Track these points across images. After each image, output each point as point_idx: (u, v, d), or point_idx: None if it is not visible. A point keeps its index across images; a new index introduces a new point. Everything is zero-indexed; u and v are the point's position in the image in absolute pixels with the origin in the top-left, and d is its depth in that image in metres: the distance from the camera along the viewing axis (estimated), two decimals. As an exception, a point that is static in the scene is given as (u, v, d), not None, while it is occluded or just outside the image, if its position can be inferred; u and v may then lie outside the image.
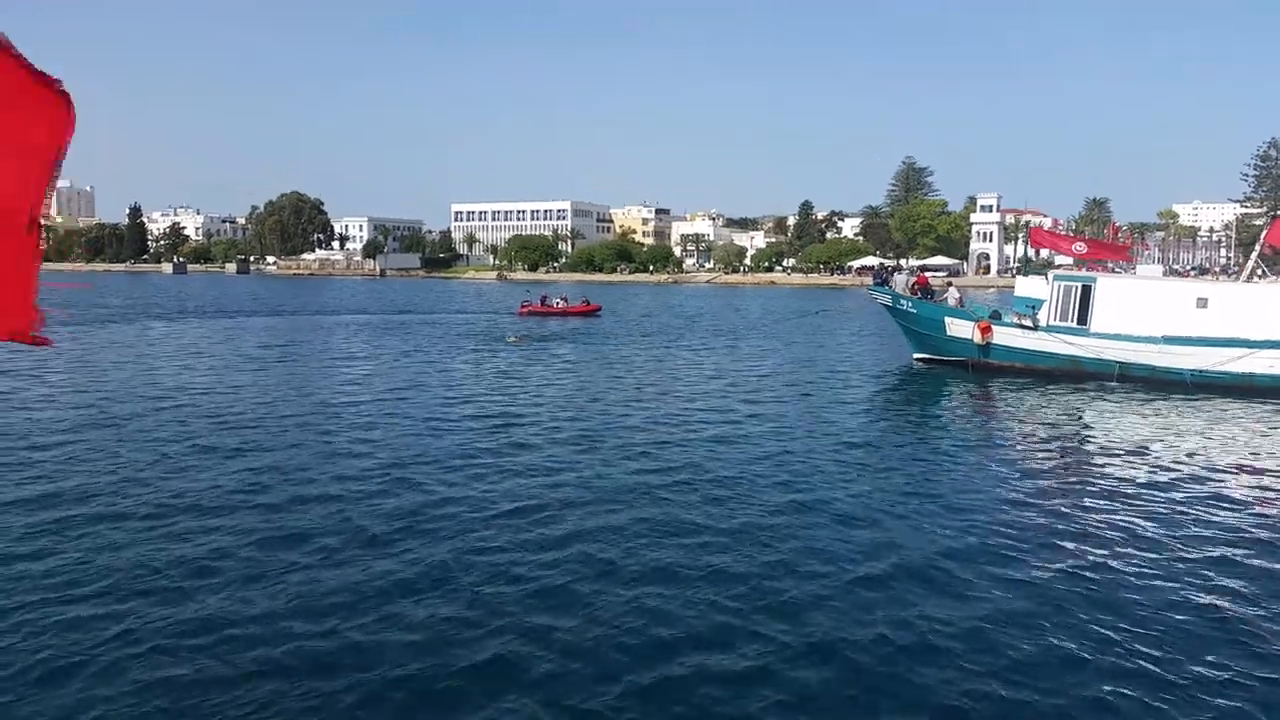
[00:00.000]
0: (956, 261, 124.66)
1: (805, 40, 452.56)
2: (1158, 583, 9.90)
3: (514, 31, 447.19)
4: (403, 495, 12.90)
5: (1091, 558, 10.64)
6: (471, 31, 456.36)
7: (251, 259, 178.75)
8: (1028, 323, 28.90)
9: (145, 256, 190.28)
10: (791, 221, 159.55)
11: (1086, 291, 28.20)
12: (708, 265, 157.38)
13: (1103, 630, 8.52)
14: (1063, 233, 52.83)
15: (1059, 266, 34.71)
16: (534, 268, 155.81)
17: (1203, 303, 26.59)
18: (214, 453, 15.51)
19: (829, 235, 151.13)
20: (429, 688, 7.23)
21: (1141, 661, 7.90)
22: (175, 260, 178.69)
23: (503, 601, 8.96)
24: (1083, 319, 28.09)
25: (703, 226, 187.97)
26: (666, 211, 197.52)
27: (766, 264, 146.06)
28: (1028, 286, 30.93)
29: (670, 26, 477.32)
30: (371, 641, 8.00)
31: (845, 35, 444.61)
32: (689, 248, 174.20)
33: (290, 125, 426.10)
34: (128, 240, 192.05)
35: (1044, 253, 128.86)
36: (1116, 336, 27.26)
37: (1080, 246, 34.25)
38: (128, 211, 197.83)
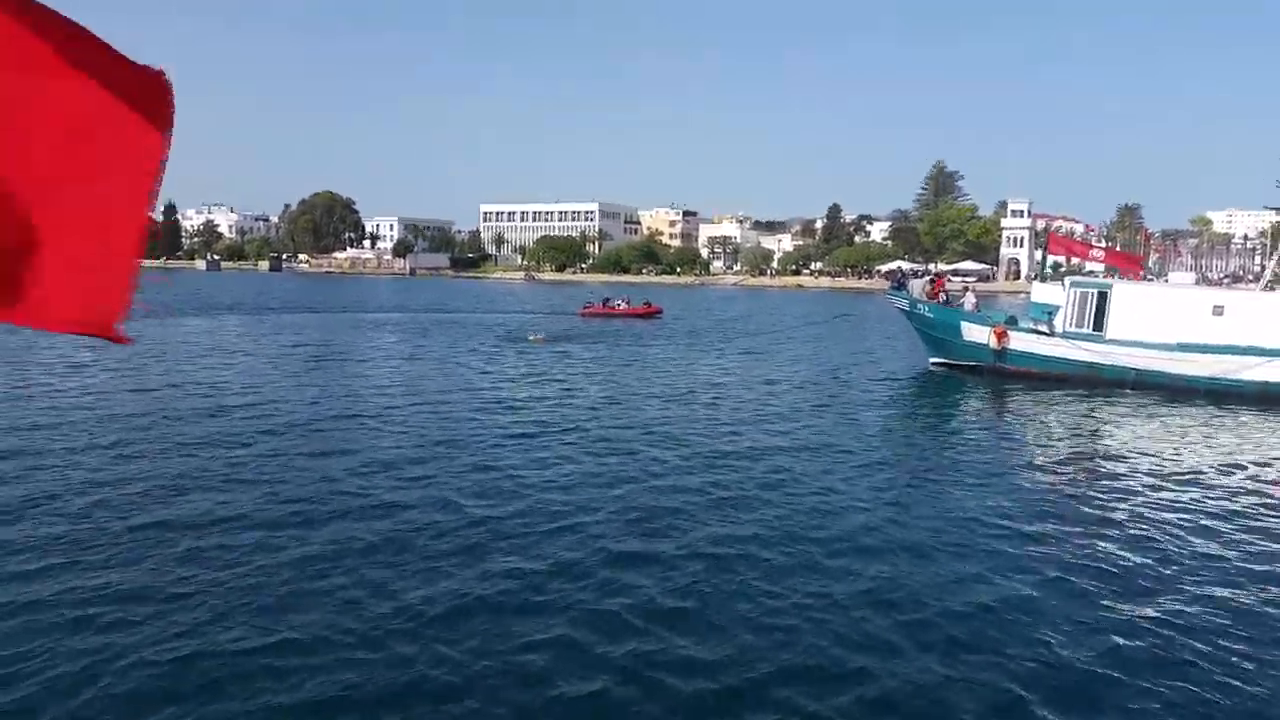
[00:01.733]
0: (987, 267, 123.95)
1: (834, 42, 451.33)
2: (1170, 587, 10.02)
3: (542, 34, 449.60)
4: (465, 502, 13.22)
5: (1107, 565, 10.72)
6: (502, 34, 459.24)
7: (284, 257, 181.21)
8: (1044, 328, 29.04)
9: (179, 253, 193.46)
10: (819, 225, 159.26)
11: (1102, 298, 28.30)
12: (735, 268, 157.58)
13: (1119, 637, 8.62)
14: (1086, 240, 52.57)
15: (1086, 273, 34.88)
16: (561, 268, 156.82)
17: (1219, 310, 26.64)
18: (271, 456, 15.97)
19: (857, 239, 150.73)
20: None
21: (1151, 667, 8.04)
22: (209, 257, 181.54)
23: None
24: (1098, 325, 28.19)
25: (730, 229, 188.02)
26: (694, 214, 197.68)
27: (794, 267, 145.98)
28: (1044, 292, 31.09)
29: (697, 28, 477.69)
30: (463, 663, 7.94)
31: (875, 35, 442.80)
32: (716, 250, 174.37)
33: (324, 125, 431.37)
34: (163, 236, 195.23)
35: (1073, 260, 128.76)
36: (1132, 343, 27.34)
37: (1097, 253, 34.34)
38: (162, 208, 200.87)
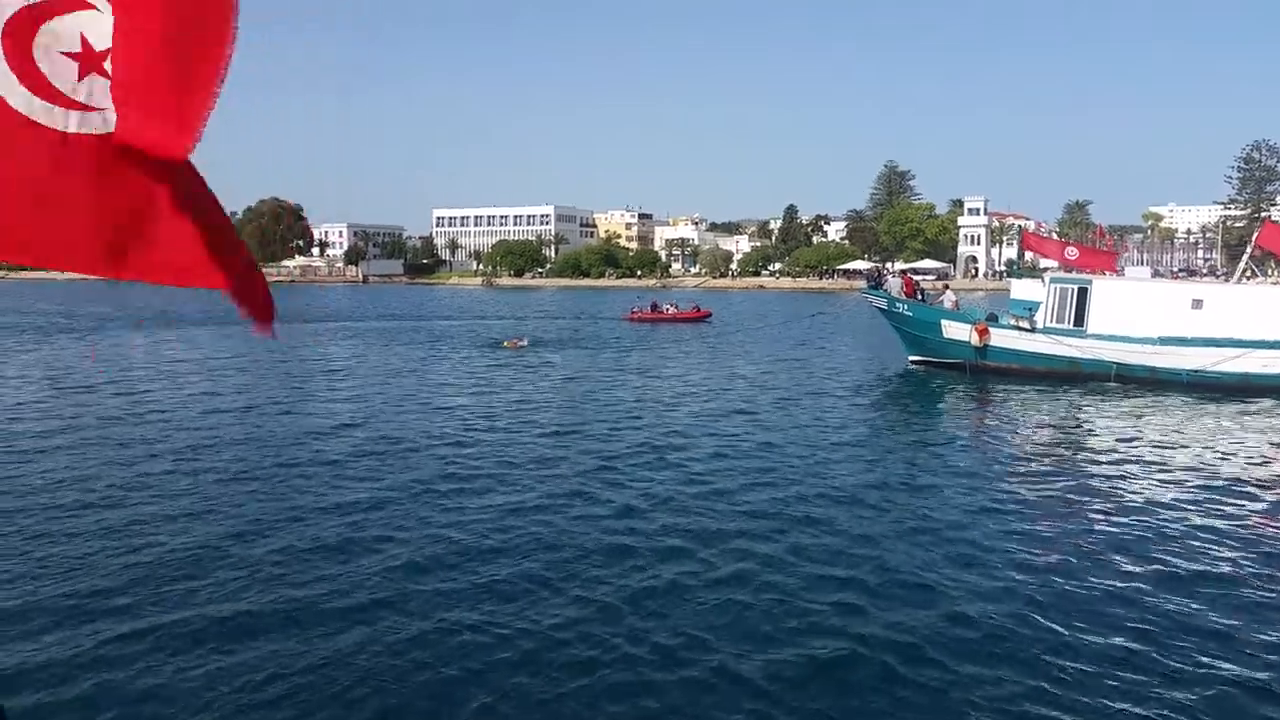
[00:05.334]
0: (944, 265, 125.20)
1: (782, 42, 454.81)
2: (1158, 582, 9.88)
3: (493, 35, 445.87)
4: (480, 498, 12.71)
5: (1094, 559, 10.62)
6: (452, 34, 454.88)
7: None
8: (1025, 325, 29.02)
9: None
10: (775, 225, 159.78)
11: (1083, 293, 28.35)
12: (694, 270, 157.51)
13: (1102, 632, 8.46)
14: (1053, 237, 53.06)
15: (1045, 270, 34.99)
16: (520, 273, 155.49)
17: (1198, 304, 26.81)
18: (281, 469, 15.25)
19: (815, 239, 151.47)
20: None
21: (1138, 659, 7.89)
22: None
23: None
24: (1079, 320, 28.24)
25: (686, 231, 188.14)
26: (649, 216, 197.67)
27: (754, 268, 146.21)
28: (1024, 289, 31.10)
29: (648, 30, 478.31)
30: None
31: (822, 36, 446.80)
32: (674, 252, 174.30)
33: (268, 129, 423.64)
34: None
35: (1028, 256, 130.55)
36: (1113, 338, 27.42)
37: (1071, 252, 34.41)
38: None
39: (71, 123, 2.37)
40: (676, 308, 56.53)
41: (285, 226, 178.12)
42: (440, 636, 8.14)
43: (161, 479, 14.05)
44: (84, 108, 2.37)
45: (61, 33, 2.32)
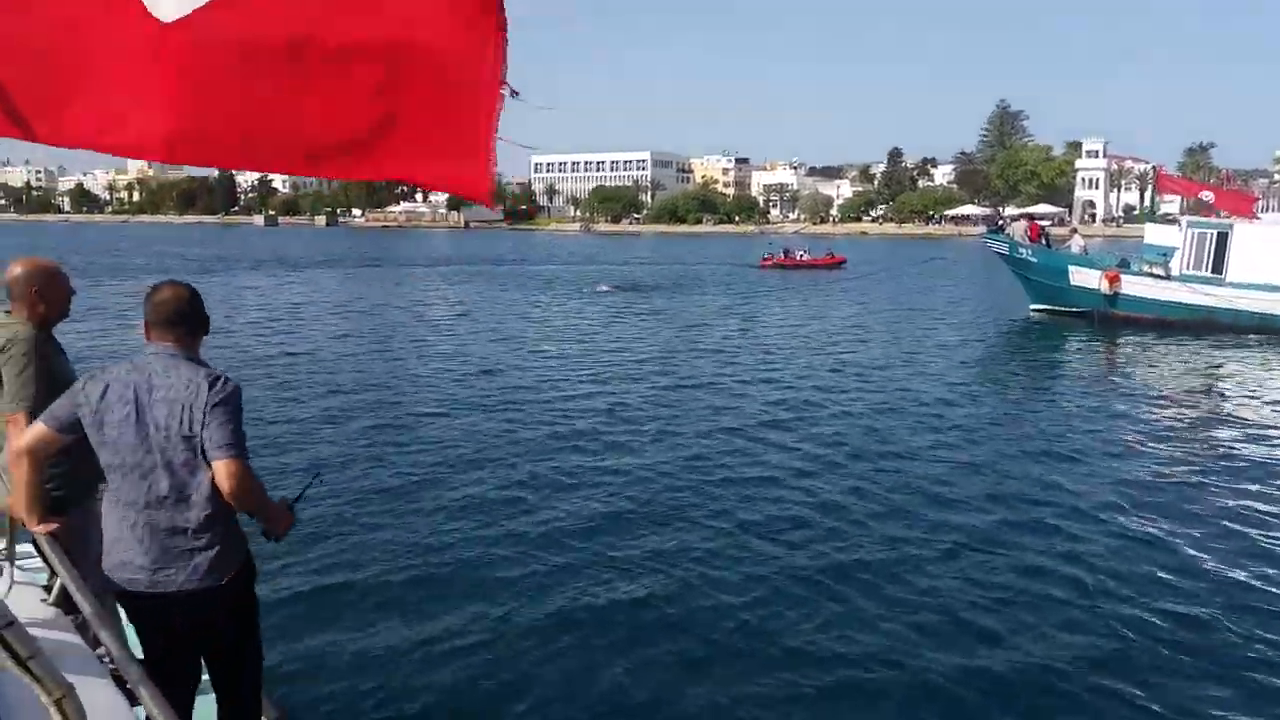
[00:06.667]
0: (1061, 210, 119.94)
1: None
2: None
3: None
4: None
5: (1244, 540, 9.64)
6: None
7: (338, 212, 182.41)
8: (1159, 271, 27.80)
9: (235, 209, 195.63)
10: (878, 170, 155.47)
11: (1222, 239, 26.96)
12: (793, 215, 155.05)
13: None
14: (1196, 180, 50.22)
15: (1167, 215, 33.30)
16: (617, 219, 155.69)
17: (1354, 250, 25.22)
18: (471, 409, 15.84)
19: (921, 183, 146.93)
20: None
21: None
22: (266, 213, 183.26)
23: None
24: (1218, 268, 26.91)
25: (785, 176, 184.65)
26: (746, 160, 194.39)
27: (855, 214, 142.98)
28: (1158, 234, 29.71)
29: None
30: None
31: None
32: (772, 198, 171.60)
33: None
34: (218, 193, 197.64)
35: (1148, 200, 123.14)
36: (1255, 286, 26.05)
37: (1207, 195, 32.68)
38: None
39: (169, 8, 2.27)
40: (808, 254, 57.05)
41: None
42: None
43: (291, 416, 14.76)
44: None
45: None
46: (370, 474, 11.30)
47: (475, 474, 11.37)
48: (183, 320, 3.24)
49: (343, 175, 2.58)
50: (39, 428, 3.22)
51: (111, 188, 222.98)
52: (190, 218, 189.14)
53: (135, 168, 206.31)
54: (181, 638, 3.22)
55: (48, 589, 3.59)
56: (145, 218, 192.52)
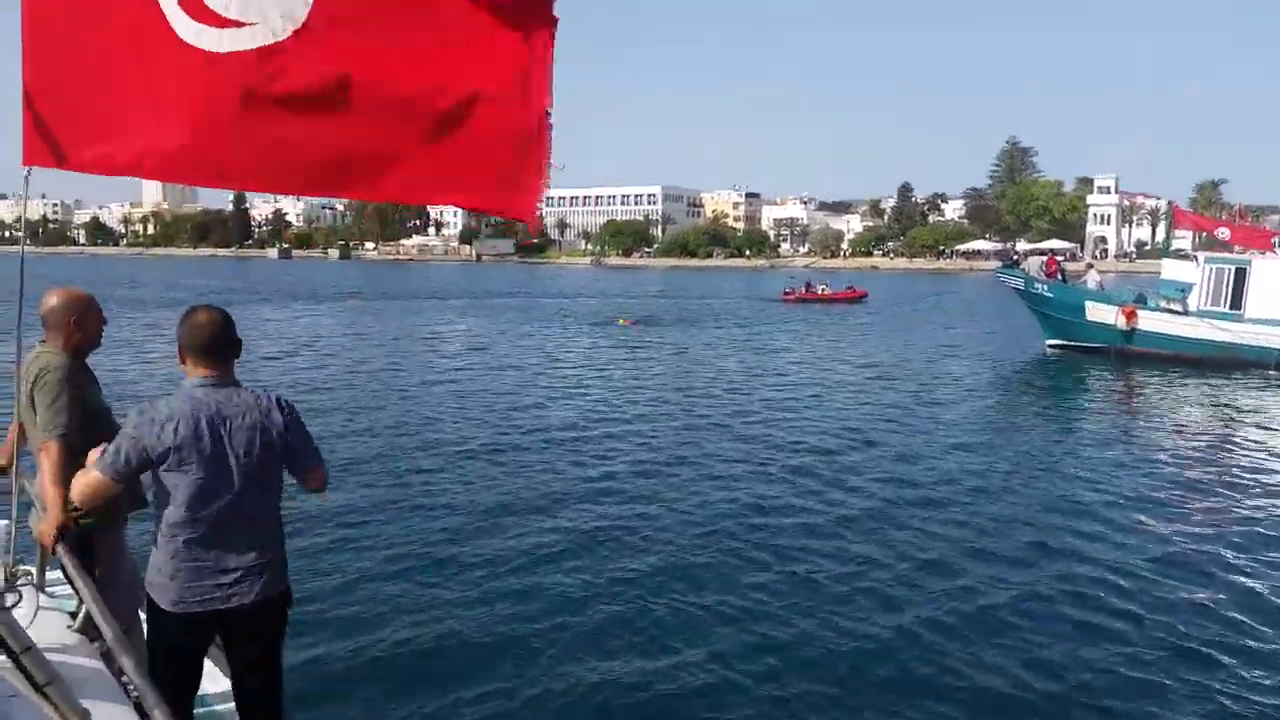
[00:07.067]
0: (1072, 245, 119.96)
1: (895, 15, 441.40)
2: None
3: (601, 20, 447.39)
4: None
5: (1256, 575, 9.46)
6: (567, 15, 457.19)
7: (350, 244, 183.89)
8: (1176, 307, 27.62)
9: (249, 241, 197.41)
10: (888, 205, 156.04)
11: (1241, 274, 26.79)
12: (803, 250, 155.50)
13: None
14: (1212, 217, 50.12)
15: (1181, 251, 33.19)
16: (628, 253, 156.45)
17: (1375, 286, 25.01)
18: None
19: (931, 218, 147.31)
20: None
21: None
22: (280, 246, 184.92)
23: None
24: (1236, 303, 26.71)
25: (795, 210, 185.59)
26: (757, 195, 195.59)
27: (865, 248, 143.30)
28: (1175, 269, 29.53)
29: (755, 6, 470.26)
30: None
31: (930, 13, 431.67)
32: (782, 232, 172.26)
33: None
34: (232, 226, 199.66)
35: (1159, 235, 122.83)
36: (1274, 322, 25.83)
37: (1223, 231, 32.54)
38: (231, 197, 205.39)
39: (224, 42, 2.40)
40: (828, 289, 57.66)
41: (403, 206, 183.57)
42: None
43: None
44: (235, 24, 2.39)
45: None
46: (385, 509, 11.15)
47: (505, 518, 11.00)
48: (231, 345, 3.41)
49: (402, 199, 2.79)
50: (98, 480, 3.22)
51: (127, 220, 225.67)
52: (205, 250, 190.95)
53: (150, 201, 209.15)
54: (257, 646, 3.41)
55: (74, 615, 3.59)
56: (160, 250, 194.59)
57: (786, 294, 56.35)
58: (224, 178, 2.64)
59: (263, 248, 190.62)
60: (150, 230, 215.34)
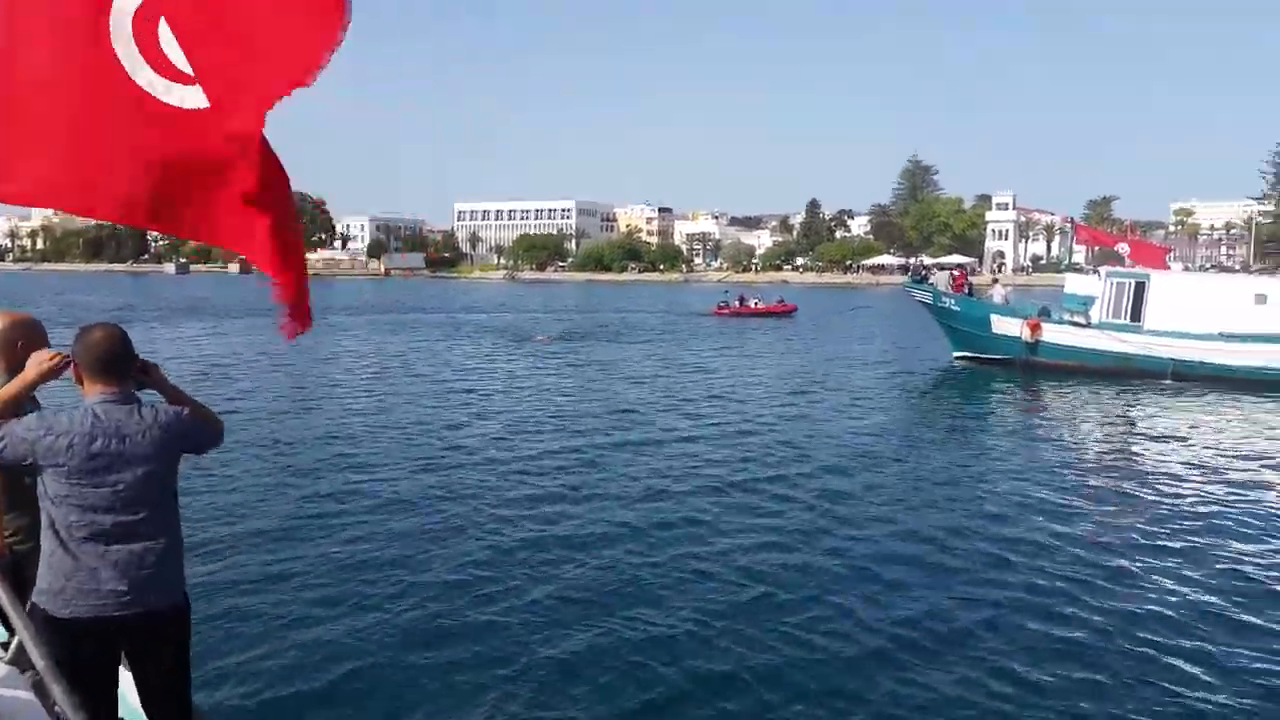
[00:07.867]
0: (972, 260, 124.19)
1: (799, 35, 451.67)
2: (1220, 592, 9.27)
3: (511, 33, 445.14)
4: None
5: (1149, 568, 10.02)
6: (469, 31, 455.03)
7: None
8: (1080, 319, 28.60)
9: (145, 256, 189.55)
10: (797, 220, 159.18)
11: (1140, 288, 27.90)
12: (715, 264, 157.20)
13: (1155, 643, 8.01)
14: (1108, 232, 52.33)
15: (1077, 266, 34.52)
16: (542, 267, 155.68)
17: (1261, 299, 26.30)
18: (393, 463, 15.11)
19: (838, 234, 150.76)
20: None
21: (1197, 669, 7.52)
22: (177, 261, 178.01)
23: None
24: (1136, 316, 27.80)
25: (707, 225, 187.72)
26: (669, 210, 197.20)
27: (776, 263, 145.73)
28: (1079, 283, 30.63)
29: (665, 23, 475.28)
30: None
31: (839, 30, 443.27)
32: (695, 247, 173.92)
33: (289, 122, 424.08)
34: (127, 240, 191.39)
35: (1055, 250, 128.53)
36: (1171, 333, 26.95)
37: (1124, 247, 33.94)
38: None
39: (188, 99, 2.61)
40: (762, 302, 59.50)
41: (308, 219, 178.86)
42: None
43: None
44: (194, 81, 2.61)
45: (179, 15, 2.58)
46: (295, 534, 10.58)
47: (419, 539, 10.70)
48: (129, 361, 3.32)
49: (182, 233, 2.97)
50: None
51: (13, 235, 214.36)
52: (98, 265, 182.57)
53: (40, 215, 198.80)
54: (159, 662, 3.37)
55: (4, 647, 3.50)
56: (48, 266, 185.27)
57: (720, 308, 57.13)
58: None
59: (159, 262, 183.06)
60: (40, 245, 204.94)
